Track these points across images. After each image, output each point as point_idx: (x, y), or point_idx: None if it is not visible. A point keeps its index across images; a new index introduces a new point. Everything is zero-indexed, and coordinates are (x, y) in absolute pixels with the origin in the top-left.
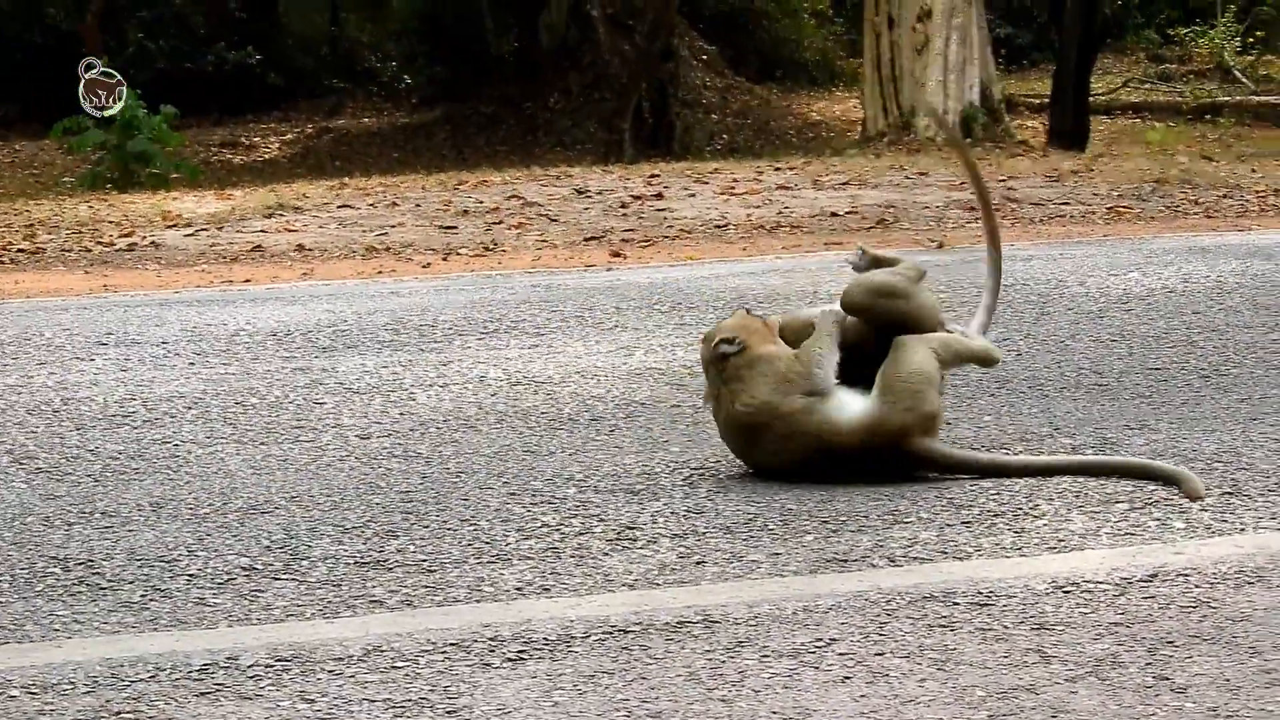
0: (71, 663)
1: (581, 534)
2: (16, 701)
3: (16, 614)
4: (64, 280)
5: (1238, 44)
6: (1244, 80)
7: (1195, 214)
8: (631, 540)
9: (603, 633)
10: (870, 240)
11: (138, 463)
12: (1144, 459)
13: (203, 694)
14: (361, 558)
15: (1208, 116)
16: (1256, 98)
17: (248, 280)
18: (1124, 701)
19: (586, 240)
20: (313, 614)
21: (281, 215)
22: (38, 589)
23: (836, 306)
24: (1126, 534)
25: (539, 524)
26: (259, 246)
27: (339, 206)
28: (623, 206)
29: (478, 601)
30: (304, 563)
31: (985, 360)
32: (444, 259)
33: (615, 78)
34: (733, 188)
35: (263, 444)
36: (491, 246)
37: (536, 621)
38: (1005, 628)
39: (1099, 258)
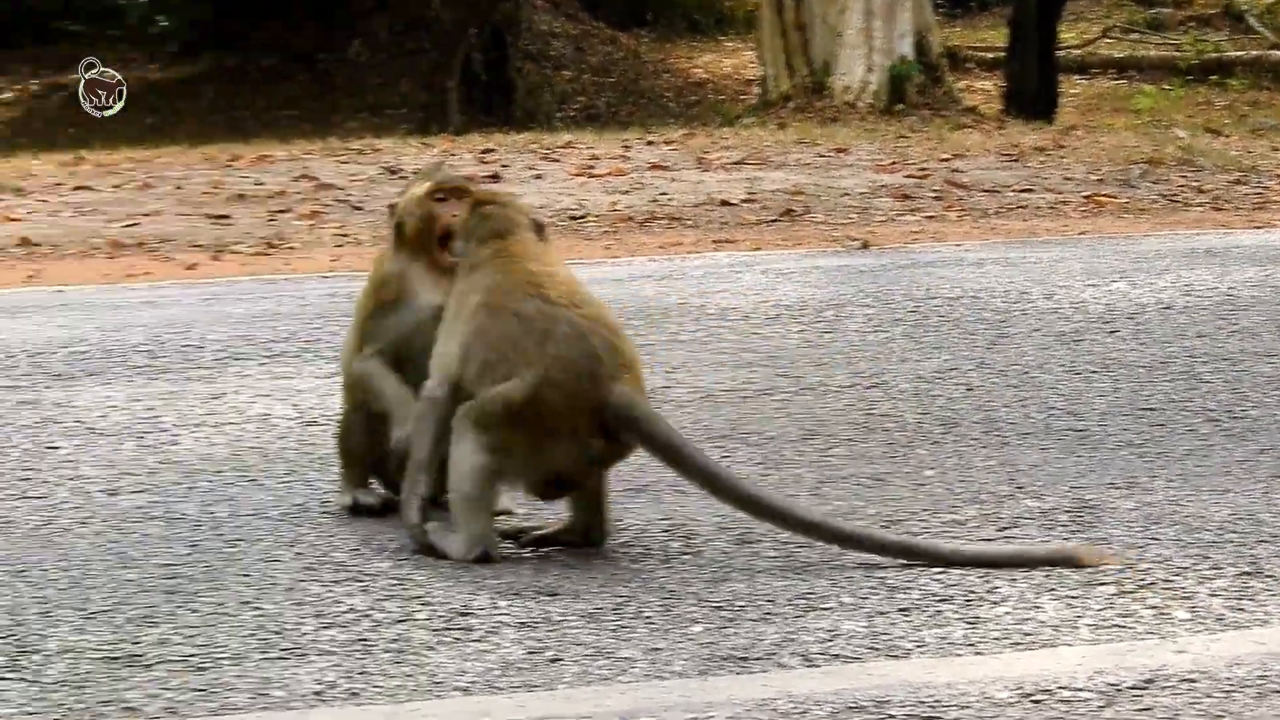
0: None
1: (400, 621)
2: None
3: None
4: None
5: None
6: (1260, 29)
7: (1199, 205)
8: (465, 630)
9: None
10: (776, 237)
11: None
12: (1009, 545)
13: None
14: (111, 651)
15: (1213, 77)
16: (1277, 52)
17: None
18: None
19: None
20: None
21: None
22: None
23: None
24: (1114, 625)
25: (344, 608)
26: None
27: (74, 188)
28: None
29: (264, 709)
30: (35, 657)
31: None
32: (214, 258)
33: (437, 21)
34: (591, 167)
35: None
36: (276, 242)
37: None
38: None
39: (1073, 262)
